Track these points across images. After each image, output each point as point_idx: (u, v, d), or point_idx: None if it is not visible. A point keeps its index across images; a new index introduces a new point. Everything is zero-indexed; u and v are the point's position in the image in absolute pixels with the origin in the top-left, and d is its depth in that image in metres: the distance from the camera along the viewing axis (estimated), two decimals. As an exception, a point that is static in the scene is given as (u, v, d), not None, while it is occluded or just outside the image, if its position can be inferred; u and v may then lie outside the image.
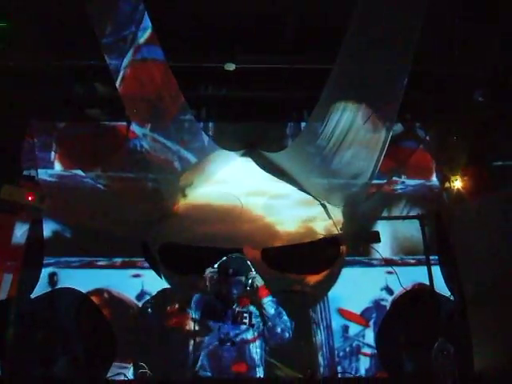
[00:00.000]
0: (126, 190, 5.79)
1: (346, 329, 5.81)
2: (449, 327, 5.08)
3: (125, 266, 5.77)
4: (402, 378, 4.73)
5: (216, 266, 4.36)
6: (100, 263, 5.76)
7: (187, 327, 4.34)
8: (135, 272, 5.74)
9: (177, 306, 5.19)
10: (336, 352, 5.63)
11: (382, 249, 5.78)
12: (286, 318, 4.34)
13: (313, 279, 5.72)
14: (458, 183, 5.38)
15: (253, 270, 4.36)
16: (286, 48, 5.35)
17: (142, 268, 5.74)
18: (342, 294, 5.87)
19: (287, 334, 4.32)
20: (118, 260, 5.78)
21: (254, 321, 4.33)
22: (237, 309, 4.32)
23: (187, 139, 5.37)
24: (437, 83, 5.51)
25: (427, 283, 5.05)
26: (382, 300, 5.78)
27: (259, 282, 4.35)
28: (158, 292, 5.62)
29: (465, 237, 5.41)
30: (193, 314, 4.33)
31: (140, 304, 5.60)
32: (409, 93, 4.84)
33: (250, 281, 4.33)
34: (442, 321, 5.09)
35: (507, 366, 4.90)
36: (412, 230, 5.76)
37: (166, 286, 5.62)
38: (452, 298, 5.65)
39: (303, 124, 5.86)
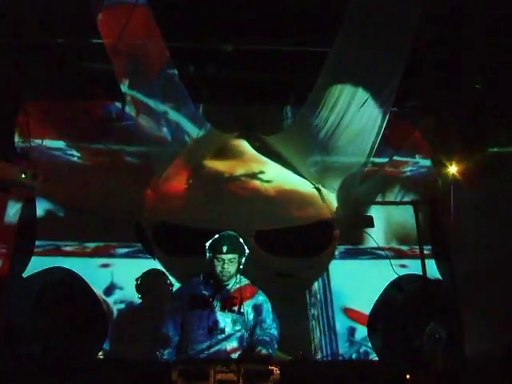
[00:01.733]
0: (116, 167, 5.75)
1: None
2: (440, 313, 5.10)
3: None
4: (392, 362, 4.76)
5: (208, 244, 4.25)
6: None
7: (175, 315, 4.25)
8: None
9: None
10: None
11: (376, 234, 5.80)
12: (268, 322, 4.24)
13: (305, 263, 5.71)
14: (452, 169, 5.38)
15: (246, 248, 4.32)
16: (284, 30, 5.30)
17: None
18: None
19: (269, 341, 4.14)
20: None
21: (243, 309, 4.23)
22: (227, 295, 4.24)
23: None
24: (433, 69, 5.49)
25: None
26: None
27: (243, 279, 4.32)
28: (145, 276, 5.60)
29: (458, 222, 5.43)
30: (179, 305, 4.25)
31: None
32: (405, 78, 4.86)
33: (243, 259, 4.27)
34: (434, 306, 5.11)
35: (497, 352, 4.94)
36: (406, 215, 5.79)
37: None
38: (444, 284, 5.69)
39: (300, 107, 5.82)
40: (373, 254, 5.85)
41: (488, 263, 5.40)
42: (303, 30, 5.25)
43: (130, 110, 5.34)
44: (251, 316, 4.24)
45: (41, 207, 5.74)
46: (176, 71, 4.99)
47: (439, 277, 5.77)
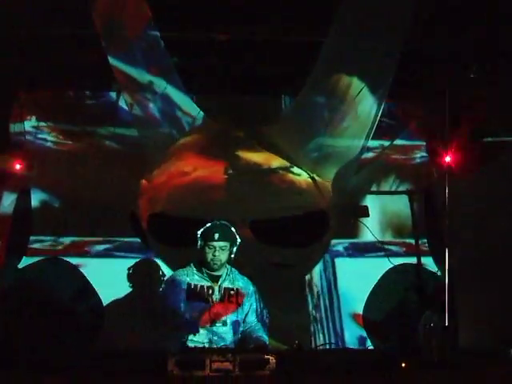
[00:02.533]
0: (107, 155, 5.73)
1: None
2: (435, 302, 5.12)
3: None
4: (387, 350, 4.78)
5: (199, 232, 4.26)
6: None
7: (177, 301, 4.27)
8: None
9: None
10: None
11: (371, 223, 5.81)
12: (259, 311, 4.32)
13: (300, 253, 5.72)
14: (447, 159, 5.39)
15: (238, 237, 4.32)
16: (279, 20, 5.29)
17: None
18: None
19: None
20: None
21: (240, 300, 4.30)
22: (223, 286, 4.29)
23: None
24: (428, 58, 5.49)
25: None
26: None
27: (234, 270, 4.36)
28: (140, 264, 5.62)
29: (453, 213, 5.44)
30: (174, 294, 4.26)
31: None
32: (400, 68, 4.86)
33: (235, 248, 4.29)
34: (430, 294, 5.13)
35: (491, 342, 4.97)
36: (401, 205, 5.79)
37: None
38: (439, 273, 5.70)
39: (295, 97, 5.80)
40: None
41: (483, 252, 5.43)
42: (296, 20, 5.25)
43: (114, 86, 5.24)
44: (245, 306, 4.28)
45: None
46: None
47: (434, 266, 5.78)
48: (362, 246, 5.90)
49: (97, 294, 5.47)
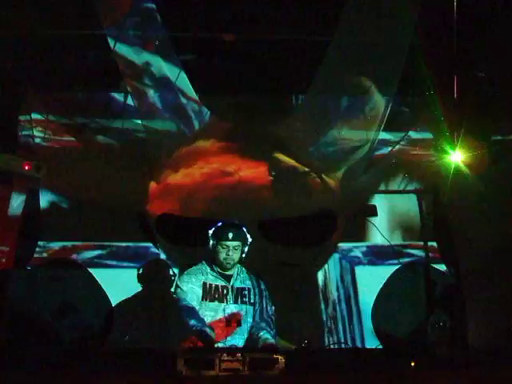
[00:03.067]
0: (115, 155, 5.67)
1: None
2: (444, 301, 5.11)
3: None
4: (396, 349, 4.77)
5: (211, 231, 4.28)
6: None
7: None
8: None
9: None
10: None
11: (379, 223, 5.80)
12: (269, 310, 4.33)
13: (309, 252, 5.72)
14: (456, 158, 5.37)
15: (249, 237, 4.33)
16: (287, 19, 5.29)
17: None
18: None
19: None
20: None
21: (252, 299, 4.32)
22: (236, 286, 4.31)
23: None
24: (436, 56, 5.47)
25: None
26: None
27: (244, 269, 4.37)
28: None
29: (462, 211, 5.42)
30: (188, 291, 4.25)
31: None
32: (407, 66, 4.86)
33: (246, 248, 4.31)
34: (438, 293, 5.12)
35: (500, 340, 4.96)
36: (409, 204, 5.78)
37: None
38: (448, 272, 5.69)
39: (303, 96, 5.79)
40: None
41: (492, 251, 5.41)
42: (304, 19, 5.25)
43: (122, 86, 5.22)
44: (257, 305, 4.29)
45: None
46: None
47: (442, 265, 5.76)
48: (381, 250, 5.75)
49: (105, 293, 5.48)
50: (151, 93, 5.31)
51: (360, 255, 5.79)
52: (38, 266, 5.55)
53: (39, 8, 4.88)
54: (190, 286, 4.25)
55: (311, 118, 5.40)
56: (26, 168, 5.11)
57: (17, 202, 5.55)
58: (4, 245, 5.43)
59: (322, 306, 5.67)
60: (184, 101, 5.47)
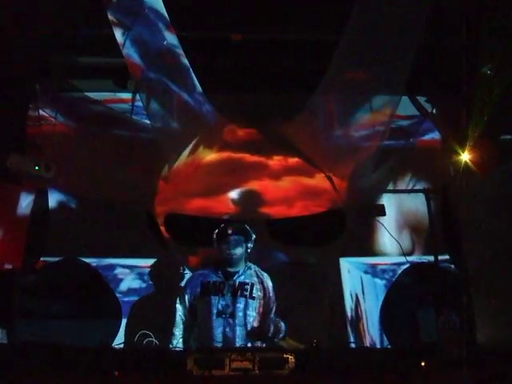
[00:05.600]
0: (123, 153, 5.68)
1: None
2: (453, 300, 5.10)
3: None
4: (406, 350, 4.76)
5: (215, 232, 4.37)
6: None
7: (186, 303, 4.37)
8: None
9: None
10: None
11: (387, 222, 5.79)
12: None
13: (317, 252, 5.71)
14: (464, 157, 5.36)
15: (252, 233, 4.36)
16: (295, 19, 5.29)
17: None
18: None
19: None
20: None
21: (255, 293, 4.33)
22: (238, 280, 4.33)
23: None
24: (444, 56, 5.46)
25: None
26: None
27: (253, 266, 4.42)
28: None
29: (470, 210, 5.41)
30: (190, 292, 4.36)
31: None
32: (416, 66, 4.84)
33: (250, 244, 4.34)
34: (447, 293, 5.11)
35: (509, 341, 4.94)
36: (418, 203, 5.77)
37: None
38: (456, 272, 5.67)
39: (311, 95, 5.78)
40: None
41: (501, 250, 5.39)
42: (313, 18, 5.24)
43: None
44: (262, 301, 4.30)
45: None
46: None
47: (451, 265, 5.75)
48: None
49: (113, 292, 5.50)
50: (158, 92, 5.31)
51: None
52: (46, 265, 5.56)
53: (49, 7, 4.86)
54: (190, 289, 4.40)
55: (320, 117, 5.38)
56: (36, 168, 5.12)
57: (25, 202, 5.57)
58: (13, 245, 5.44)
59: (332, 306, 5.68)
60: (191, 100, 5.47)
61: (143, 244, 5.62)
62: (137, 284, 5.57)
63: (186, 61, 5.04)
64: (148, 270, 5.53)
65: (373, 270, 5.76)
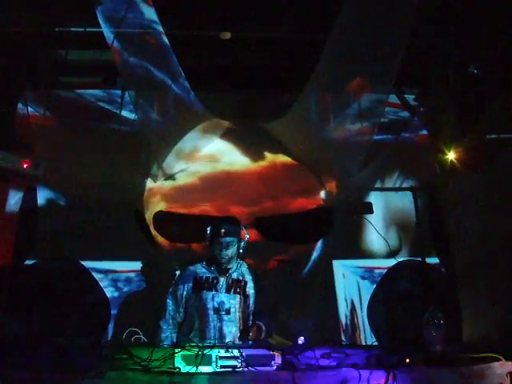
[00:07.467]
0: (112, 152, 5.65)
1: None
2: (439, 297, 5.15)
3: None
4: (392, 346, 4.80)
5: (208, 228, 4.32)
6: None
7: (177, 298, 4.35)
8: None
9: None
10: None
11: (375, 220, 5.82)
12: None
13: (305, 249, 5.74)
14: (451, 155, 5.40)
15: (246, 233, 4.37)
16: (282, 18, 5.30)
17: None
18: None
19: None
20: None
21: (248, 291, 4.34)
22: (231, 277, 4.34)
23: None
24: (432, 55, 5.50)
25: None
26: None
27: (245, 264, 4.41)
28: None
29: (457, 209, 5.45)
30: (181, 287, 4.33)
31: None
32: (404, 65, 4.87)
33: (242, 243, 4.34)
34: (433, 291, 5.16)
35: (494, 337, 4.99)
36: (405, 201, 5.81)
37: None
38: (443, 269, 5.72)
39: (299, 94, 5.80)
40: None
41: (487, 249, 5.43)
42: (299, 17, 5.26)
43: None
44: (255, 299, 4.34)
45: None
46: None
47: (438, 262, 5.80)
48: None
49: (102, 289, 5.50)
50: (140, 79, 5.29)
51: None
52: (36, 262, 5.56)
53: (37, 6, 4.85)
54: (183, 284, 4.35)
55: (308, 115, 5.41)
56: (25, 166, 5.10)
57: (14, 200, 5.56)
58: (2, 242, 5.44)
59: (321, 303, 5.71)
60: (176, 87, 5.43)
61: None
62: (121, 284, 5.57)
63: (166, 40, 4.92)
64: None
65: (370, 275, 5.79)
